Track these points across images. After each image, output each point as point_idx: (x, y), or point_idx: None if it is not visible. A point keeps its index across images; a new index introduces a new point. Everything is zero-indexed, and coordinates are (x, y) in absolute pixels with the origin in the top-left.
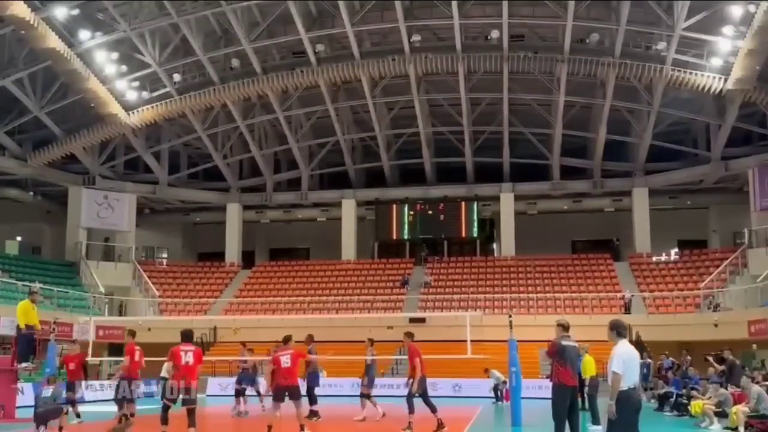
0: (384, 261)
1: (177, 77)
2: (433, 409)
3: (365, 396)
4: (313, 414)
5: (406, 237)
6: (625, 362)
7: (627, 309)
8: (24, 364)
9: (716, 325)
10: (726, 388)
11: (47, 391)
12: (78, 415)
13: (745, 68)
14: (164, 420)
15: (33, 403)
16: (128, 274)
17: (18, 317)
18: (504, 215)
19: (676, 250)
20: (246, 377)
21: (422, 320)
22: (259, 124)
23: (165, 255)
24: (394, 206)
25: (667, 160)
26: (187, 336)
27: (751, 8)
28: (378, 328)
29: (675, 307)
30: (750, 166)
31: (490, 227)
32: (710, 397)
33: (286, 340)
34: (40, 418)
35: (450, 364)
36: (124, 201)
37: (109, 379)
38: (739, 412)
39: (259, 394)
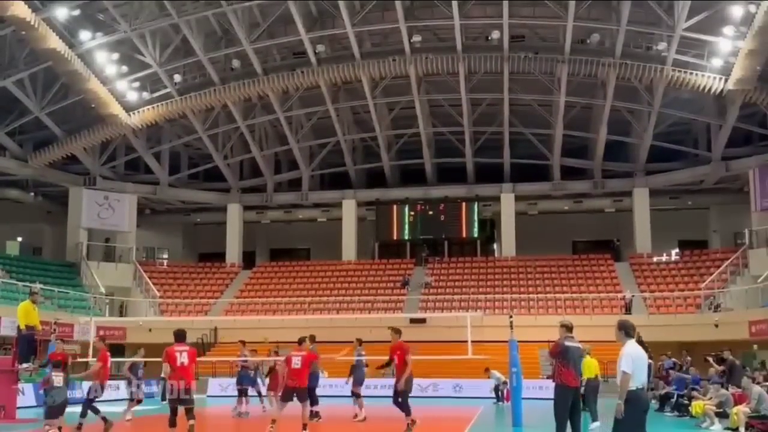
0: (384, 261)
1: (177, 78)
2: (408, 412)
3: (356, 395)
4: (314, 414)
5: (406, 237)
6: (633, 362)
7: (627, 309)
8: (25, 365)
9: (717, 326)
10: (727, 389)
11: (58, 379)
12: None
13: (745, 68)
14: (172, 423)
15: (35, 402)
16: (129, 275)
17: (19, 318)
18: (504, 215)
19: (677, 250)
20: (246, 377)
21: (423, 321)
22: (259, 124)
23: (165, 255)
24: (395, 207)
25: (668, 161)
26: (180, 336)
27: (752, 8)
28: (378, 328)
29: (676, 308)
30: (750, 167)
31: (490, 228)
32: (711, 398)
33: (301, 341)
34: (54, 411)
35: (451, 364)
36: (124, 201)
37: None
38: (740, 412)
39: (259, 394)
